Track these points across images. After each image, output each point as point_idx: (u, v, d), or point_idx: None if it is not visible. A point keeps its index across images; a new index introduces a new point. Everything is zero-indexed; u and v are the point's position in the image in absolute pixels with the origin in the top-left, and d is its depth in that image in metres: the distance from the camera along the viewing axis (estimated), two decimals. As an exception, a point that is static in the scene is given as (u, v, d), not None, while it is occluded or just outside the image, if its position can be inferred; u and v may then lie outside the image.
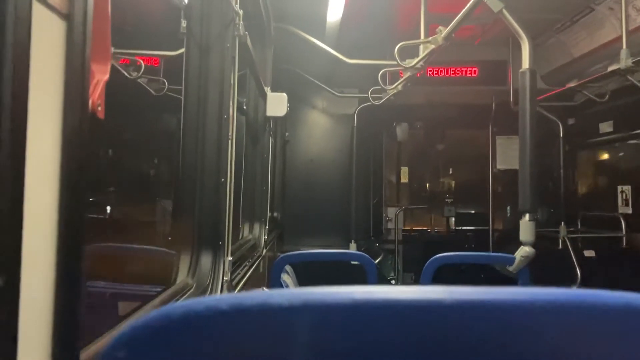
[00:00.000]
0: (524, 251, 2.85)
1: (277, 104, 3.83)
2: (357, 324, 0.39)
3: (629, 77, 4.09)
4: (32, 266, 0.64)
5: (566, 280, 5.36)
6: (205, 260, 2.06)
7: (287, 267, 3.89)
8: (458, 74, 6.06)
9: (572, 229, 6.35)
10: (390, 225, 7.63)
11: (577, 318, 0.40)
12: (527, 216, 2.78)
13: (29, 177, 0.63)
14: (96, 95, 0.83)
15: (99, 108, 0.83)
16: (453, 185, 8.47)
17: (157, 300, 1.70)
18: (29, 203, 0.63)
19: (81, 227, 0.78)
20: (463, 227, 7.76)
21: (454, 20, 3.30)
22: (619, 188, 6.10)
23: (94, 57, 0.82)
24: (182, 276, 2.01)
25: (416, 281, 6.45)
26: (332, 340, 0.40)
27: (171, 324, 0.40)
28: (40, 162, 0.67)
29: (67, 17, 0.71)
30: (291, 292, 0.39)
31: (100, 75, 0.85)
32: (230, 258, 2.16)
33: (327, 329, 0.39)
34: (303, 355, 0.41)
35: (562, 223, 6.12)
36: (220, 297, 0.40)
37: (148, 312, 0.43)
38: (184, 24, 2.17)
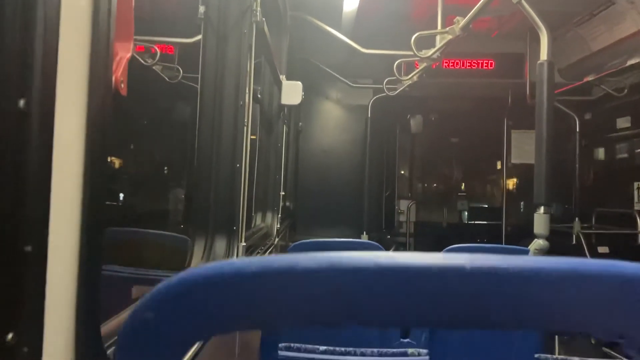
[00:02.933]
0: (537, 244, 2.84)
1: (292, 92, 3.83)
2: (380, 288, 0.40)
3: (649, 72, 4.04)
4: (58, 239, 0.66)
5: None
6: (220, 244, 2.08)
7: (299, 256, 3.90)
8: (474, 66, 6.01)
9: (586, 225, 6.30)
10: (402, 218, 7.62)
11: (598, 287, 0.40)
12: (542, 209, 2.77)
13: (56, 150, 0.64)
14: (119, 72, 0.84)
15: (122, 85, 0.84)
16: (466, 178, 8.43)
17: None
18: (56, 175, 0.64)
19: (102, 206, 0.79)
20: (476, 222, 7.74)
21: (472, 11, 3.27)
22: (635, 184, 6.03)
23: (117, 34, 0.83)
24: (197, 260, 2.03)
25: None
26: (356, 304, 0.41)
27: (200, 284, 0.41)
28: (67, 137, 0.68)
29: (94, -7, 0.72)
30: (318, 255, 0.40)
31: (123, 53, 0.86)
32: (244, 243, 2.17)
33: (351, 292, 0.40)
34: (328, 317, 0.42)
35: (577, 219, 6.07)
36: (248, 260, 0.41)
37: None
38: (201, 9, 2.18)
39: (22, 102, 0.57)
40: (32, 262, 0.59)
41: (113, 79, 0.82)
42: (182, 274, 0.41)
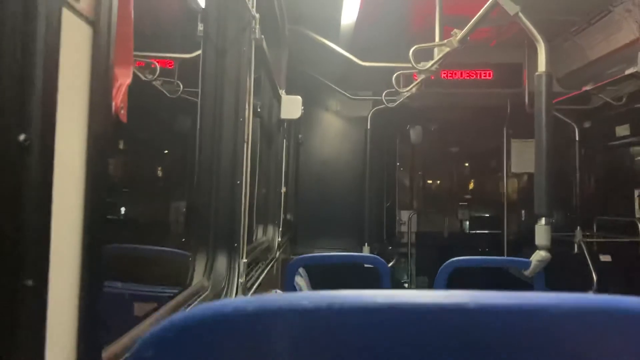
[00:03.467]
0: (539, 255, 2.83)
1: (291, 107, 3.84)
2: (380, 327, 0.40)
3: (647, 80, 4.05)
4: (59, 268, 0.66)
5: (582, 284, 5.30)
6: (221, 261, 2.08)
7: (301, 270, 3.89)
8: (472, 76, 6.03)
9: (588, 233, 6.29)
10: (404, 229, 7.61)
11: (600, 323, 0.40)
12: (543, 220, 2.76)
13: (56, 182, 0.64)
14: (119, 99, 0.84)
15: (122, 111, 0.85)
16: (467, 188, 8.43)
17: (174, 302, 1.71)
18: (57, 207, 0.65)
19: (103, 229, 0.79)
20: (477, 231, 7.73)
21: (470, 23, 3.28)
22: (636, 192, 6.03)
23: (117, 61, 0.83)
24: (198, 277, 2.03)
25: (430, 285, 6.42)
26: (356, 343, 0.41)
27: (198, 325, 0.41)
28: (67, 167, 0.68)
29: (93, 23, 0.73)
30: (316, 294, 0.40)
31: (123, 79, 0.86)
32: (245, 260, 2.17)
33: (350, 331, 0.40)
34: (327, 357, 0.42)
35: (578, 227, 6.06)
36: (246, 300, 0.41)
37: (167, 313, 0.44)
38: (200, 27, 2.19)
39: (22, 137, 0.57)
40: (33, 296, 0.59)
41: (113, 105, 0.83)
42: (180, 315, 0.42)
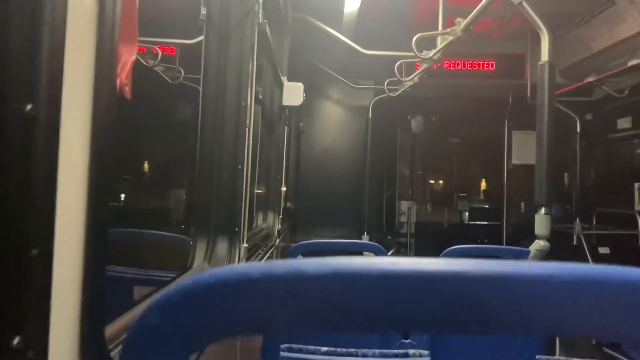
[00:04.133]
0: (538, 245, 2.84)
1: (293, 94, 3.84)
2: (383, 294, 0.40)
3: (650, 73, 4.03)
4: (63, 242, 0.66)
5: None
6: (222, 246, 2.09)
7: (300, 257, 3.91)
8: (475, 67, 6.02)
9: (587, 225, 6.30)
10: (403, 219, 7.62)
11: (598, 292, 0.40)
12: (542, 210, 2.77)
13: (62, 154, 0.64)
14: (124, 75, 0.84)
15: (127, 88, 0.85)
16: (467, 179, 8.44)
17: (173, 284, 1.72)
18: (62, 179, 0.65)
19: (107, 208, 0.79)
20: (477, 222, 7.74)
21: (473, 12, 3.27)
22: (636, 185, 6.03)
23: (121, 37, 0.83)
24: (199, 261, 2.03)
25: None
26: (359, 310, 0.41)
27: (203, 290, 0.42)
28: (73, 140, 0.68)
29: (99, -3, 0.73)
30: (320, 261, 0.40)
31: (127, 56, 0.86)
32: (245, 245, 2.18)
33: (354, 298, 0.40)
34: (330, 322, 0.42)
35: (577, 219, 6.07)
36: (250, 265, 0.41)
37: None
38: (203, 11, 2.18)
39: (29, 107, 0.57)
40: (38, 266, 0.60)
41: (118, 81, 0.83)
42: (186, 281, 0.42)
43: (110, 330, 1.00)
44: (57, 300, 0.65)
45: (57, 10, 0.62)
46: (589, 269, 0.41)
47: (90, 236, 0.74)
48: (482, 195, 8.26)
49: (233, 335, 0.47)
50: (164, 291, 0.43)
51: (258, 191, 4.03)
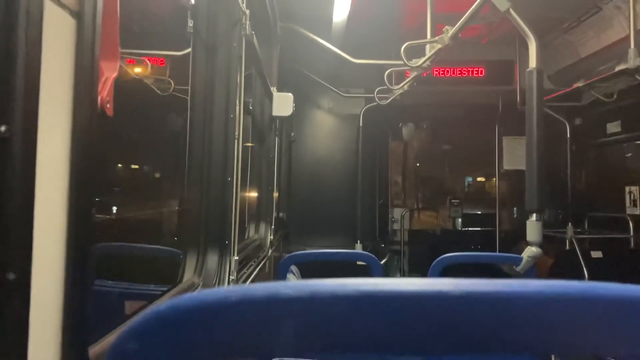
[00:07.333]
0: (530, 251, 2.83)
1: (283, 104, 3.83)
2: (363, 316, 0.39)
3: (637, 77, 4.06)
4: (42, 263, 0.65)
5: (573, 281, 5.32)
6: (212, 259, 2.07)
7: (293, 267, 3.89)
8: (464, 74, 6.05)
9: (579, 229, 6.32)
10: (396, 226, 7.62)
11: (585, 310, 0.40)
12: (534, 216, 2.77)
13: (39, 175, 0.63)
14: (105, 93, 0.83)
15: (108, 105, 0.84)
16: (459, 185, 8.46)
17: (164, 299, 1.70)
18: (40, 200, 0.64)
19: (89, 226, 0.78)
20: (470, 228, 7.75)
21: (461, 20, 3.29)
22: (627, 189, 6.07)
23: (103, 54, 0.82)
24: (189, 274, 2.01)
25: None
26: (339, 332, 0.40)
27: (181, 315, 0.41)
28: (51, 160, 0.67)
29: (78, 14, 0.72)
30: (299, 284, 0.39)
31: (109, 73, 0.85)
32: (236, 257, 2.16)
33: (334, 320, 0.39)
34: (310, 346, 0.41)
35: (569, 224, 6.08)
36: (229, 289, 0.40)
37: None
38: (190, 23, 2.18)
39: (3, 128, 0.56)
40: (15, 290, 0.58)
41: (99, 99, 0.82)
42: (160, 306, 0.41)
43: (95, 350, 0.98)
44: (36, 323, 0.64)
45: (32, 27, 0.61)
46: (582, 286, 0.40)
47: (72, 255, 0.73)
48: (474, 201, 8.27)
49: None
50: (140, 315, 0.42)
51: (250, 201, 4.01)
